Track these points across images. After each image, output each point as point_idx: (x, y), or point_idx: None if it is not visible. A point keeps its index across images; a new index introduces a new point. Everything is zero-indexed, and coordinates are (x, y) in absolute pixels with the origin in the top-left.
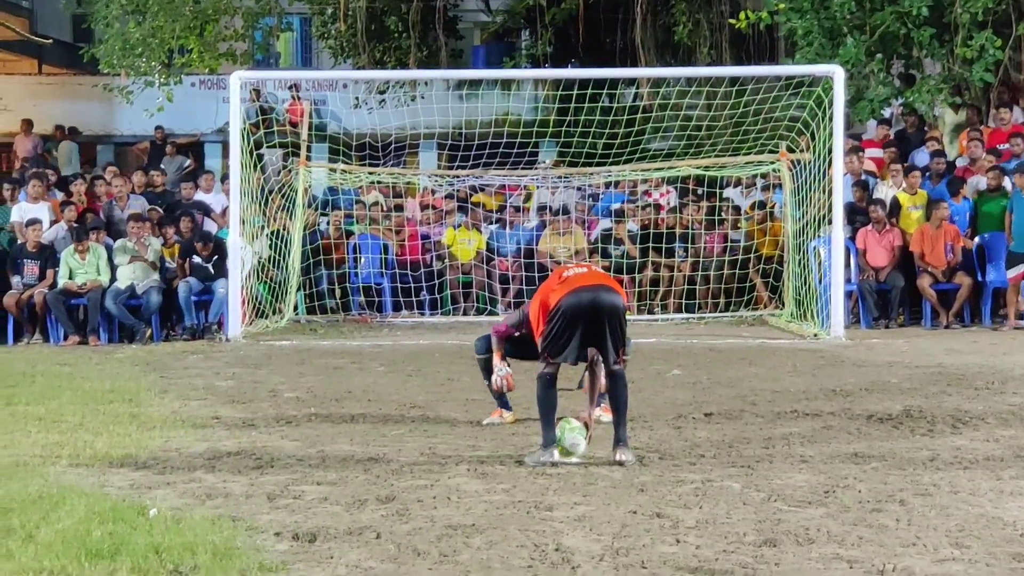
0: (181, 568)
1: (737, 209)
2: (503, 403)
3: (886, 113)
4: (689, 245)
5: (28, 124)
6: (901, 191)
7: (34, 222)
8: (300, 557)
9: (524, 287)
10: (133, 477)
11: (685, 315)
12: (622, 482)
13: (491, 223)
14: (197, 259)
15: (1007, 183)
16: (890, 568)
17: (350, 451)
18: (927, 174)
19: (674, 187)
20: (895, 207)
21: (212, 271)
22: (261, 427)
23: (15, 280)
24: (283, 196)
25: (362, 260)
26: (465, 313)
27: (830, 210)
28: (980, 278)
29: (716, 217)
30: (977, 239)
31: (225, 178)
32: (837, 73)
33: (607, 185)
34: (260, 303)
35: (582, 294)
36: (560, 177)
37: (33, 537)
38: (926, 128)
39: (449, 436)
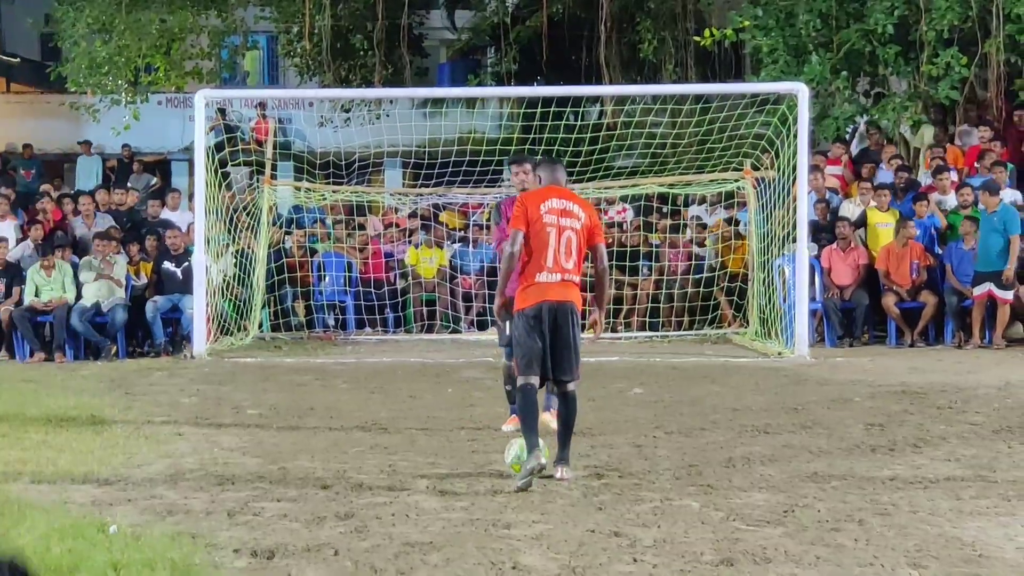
0: None
1: (702, 227)
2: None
3: (850, 131)
4: (653, 263)
5: None
6: (872, 207)
7: (0, 240)
8: (258, 574)
9: (487, 305)
10: (94, 494)
11: (648, 333)
12: (581, 500)
13: (454, 241)
14: (168, 264)
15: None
16: None
17: (311, 468)
18: (892, 190)
19: (634, 205)
20: (862, 223)
21: (181, 277)
22: (223, 444)
23: None
24: (248, 214)
25: (326, 278)
26: (428, 331)
27: (795, 228)
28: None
29: (680, 235)
30: (941, 252)
31: (192, 196)
32: (801, 91)
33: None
34: (225, 320)
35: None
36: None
37: None
38: (889, 144)
39: (409, 453)
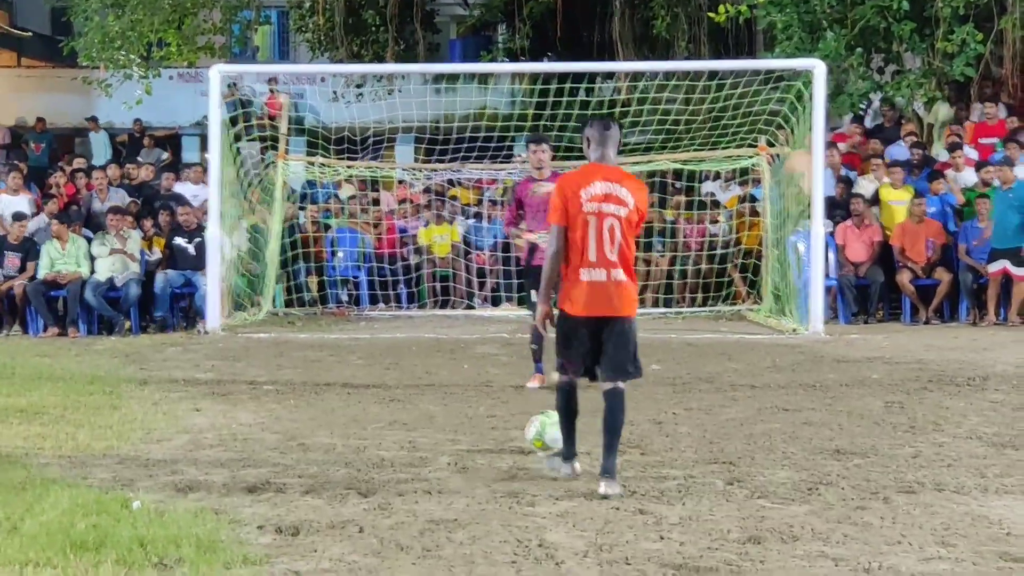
0: (166, 561)
1: (716, 203)
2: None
3: (864, 108)
4: (667, 239)
5: None
6: (885, 185)
7: (20, 217)
8: (284, 550)
9: (501, 280)
10: (115, 469)
11: (663, 310)
12: None
13: (468, 217)
14: (180, 240)
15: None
16: (876, 566)
17: (330, 444)
18: (907, 167)
19: (649, 181)
20: (876, 201)
21: (194, 252)
22: (241, 419)
23: None
24: (262, 189)
25: (340, 253)
26: (442, 306)
27: (809, 205)
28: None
29: (695, 212)
30: (958, 229)
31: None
32: (818, 68)
33: None
34: (239, 296)
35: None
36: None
37: (18, 529)
38: (903, 121)
39: (428, 429)
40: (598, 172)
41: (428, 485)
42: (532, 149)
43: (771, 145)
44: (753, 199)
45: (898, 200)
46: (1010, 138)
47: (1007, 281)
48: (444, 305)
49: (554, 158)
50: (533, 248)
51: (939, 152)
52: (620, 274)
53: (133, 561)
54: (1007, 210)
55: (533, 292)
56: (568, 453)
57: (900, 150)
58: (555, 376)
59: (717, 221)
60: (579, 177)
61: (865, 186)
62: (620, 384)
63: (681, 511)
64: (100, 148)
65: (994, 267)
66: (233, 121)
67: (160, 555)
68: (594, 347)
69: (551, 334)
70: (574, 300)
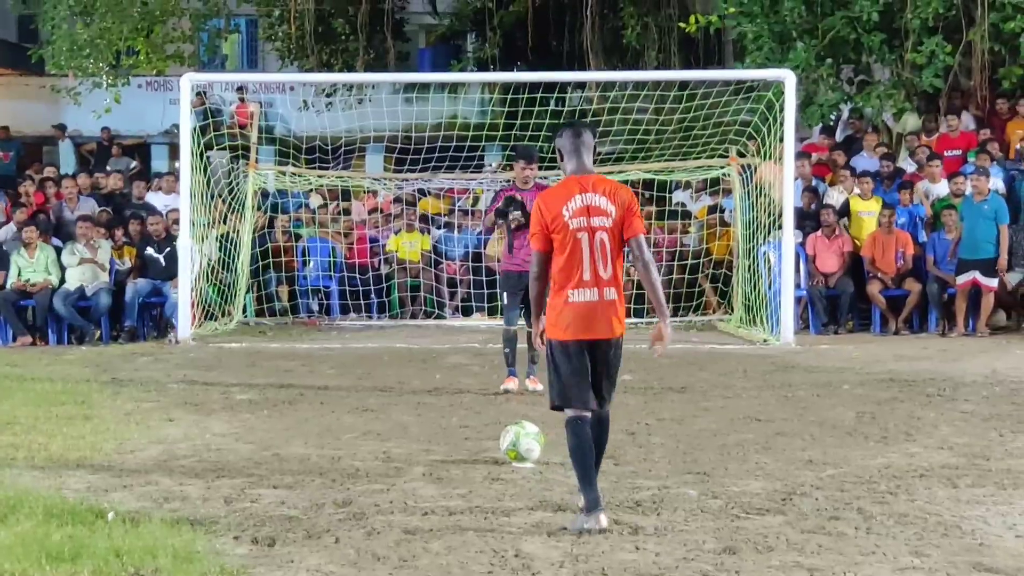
0: (142, 571)
1: (687, 214)
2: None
3: (834, 119)
4: None
5: None
6: (855, 196)
7: None
8: (260, 561)
9: (471, 290)
10: (89, 480)
11: (633, 320)
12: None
13: (439, 227)
14: (151, 251)
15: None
16: None
17: (305, 454)
18: (878, 178)
19: None
20: (845, 212)
21: (163, 263)
22: (215, 430)
23: None
24: (233, 198)
25: (310, 263)
26: (413, 316)
27: (780, 215)
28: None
29: (665, 221)
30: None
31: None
32: (788, 78)
33: None
34: (209, 305)
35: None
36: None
37: None
38: (867, 132)
39: (403, 439)
40: (576, 184)
41: (403, 495)
42: (522, 166)
43: (741, 155)
44: (723, 209)
45: (867, 211)
46: (981, 149)
47: (976, 292)
48: (415, 315)
49: (504, 168)
50: (508, 251)
51: (904, 161)
52: (612, 292)
53: (109, 572)
54: (979, 220)
55: (506, 295)
56: (590, 502)
57: (867, 161)
58: (508, 386)
59: (688, 231)
60: (558, 195)
61: (835, 197)
62: (607, 409)
63: (656, 522)
64: (66, 157)
65: (963, 278)
66: (203, 130)
67: (136, 566)
68: (590, 370)
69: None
70: (564, 324)
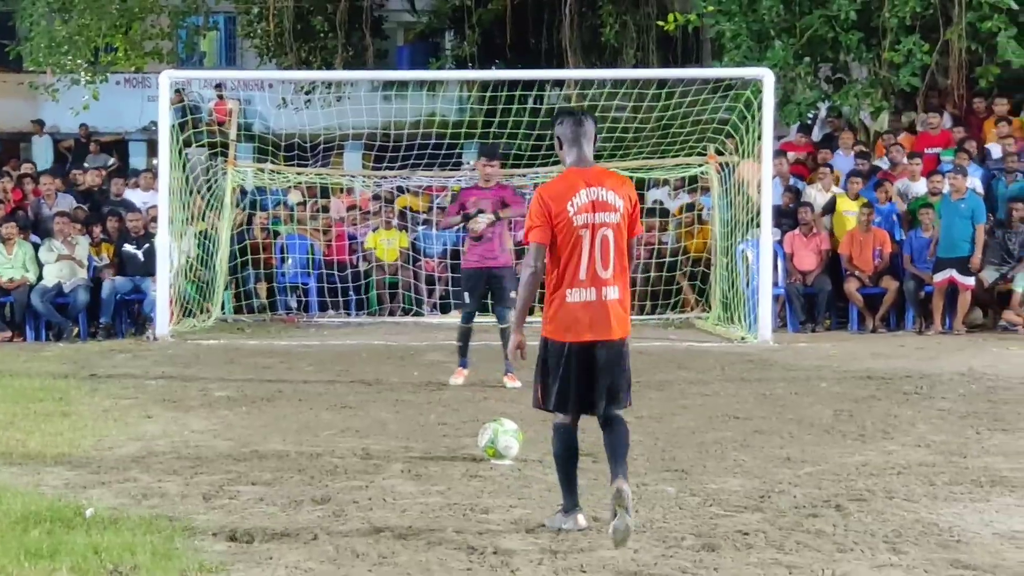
0: (120, 568)
1: (664, 212)
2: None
3: (812, 117)
4: None
5: None
6: (842, 195)
7: None
8: (239, 558)
9: (450, 288)
10: (68, 476)
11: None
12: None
13: (418, 224)
14: (129, 247)
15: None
16: (829, 573)
17: (283, 451)
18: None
19: None
20: (830, 209)
21: (142, 259)
22: (193, 426)
23: None
24: (211, 195)
25: (289, 260)
26: (391, 313)
27: (758, 213)
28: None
29: (643, 219)
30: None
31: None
32: (767, 77)
33: (535, 187)
34: (188, 302)
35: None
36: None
37: None
38: (848, 130)
39: (381, 436)
40: (579, 178)
41: (382, 492)
42: (483, 163)
43: (720, 154)
44: (701, 207)
45: (851, 210)
46: (959, 148)
47: (952, 290)
48: (393, 312)
49: (503, 166)
50: (472, 247)
51: (877, 160)
52: (613, 292)
53: (88, 569)
54: (956, 219)
55: (467, 294)
56: (569, 504)
57: (842, 159)
58: (456, 380)
59: (666, 229)
60: (561, 188)
61: (813, 195)
62: (617, 411)
63: (635, 519)
64: (43, 153)
65: (940, 276)
66: (181, 127)
67: (115, 563)
68: (585, 376)
69: (520, 363)
70: (559, 324)
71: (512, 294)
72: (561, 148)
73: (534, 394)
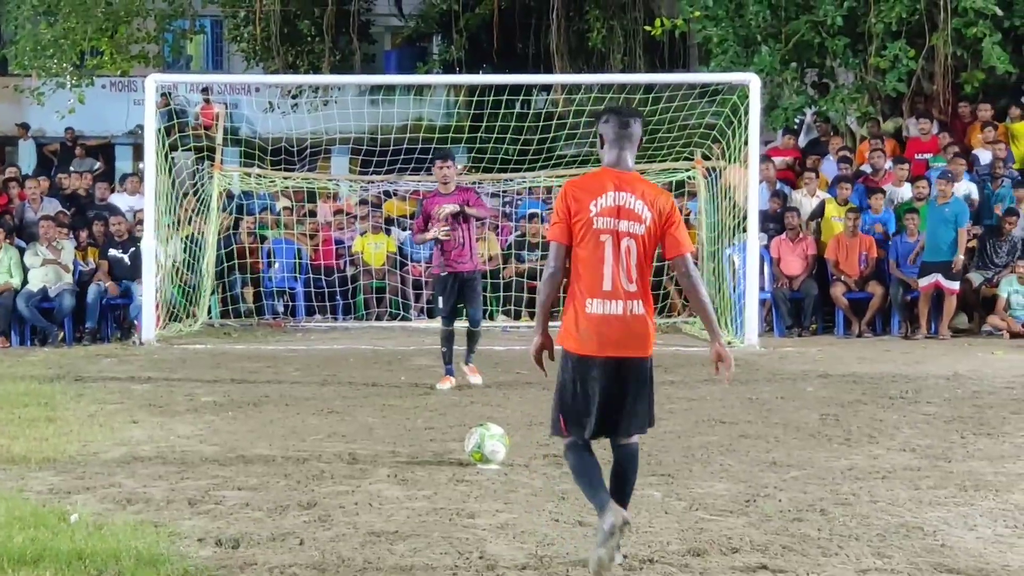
0: (105, 574)
1: None
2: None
3: (798, 123)
4: None
5: None
6: (831, 200)
7: None
8: (225, 563)
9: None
10: (52, 482)
11: None
12: (543, 490)
13: (405, 228)
14: (115, 251)
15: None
16: None
17: (269, 455)
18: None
19: None
20: (818, 214)
21: (128, 263)
22: (179, 431)
23: None
24: (198, 199)
25: (276, 264)
26: (378, 318)
27: (745, 218)
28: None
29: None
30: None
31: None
32: (753, 82)
33: (521, 191)
34: (174, 306)
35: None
36: (473, 183)
37: None
38: (835, 135)
39: (368, 441)
40: (610, 179)
41: (368, 497)
42: (438, 165)
43: (706, 158)
44: (688, 212)
45: (840, 216)
46: (956, 154)
47: (938, 295)
48: (380, 317)
49: (470, 171)
50: (441, 253)
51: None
52: (638, 306)
53: (72, 575)
54: (941, 224)
55: (439, 299)
56: (600, 504)
57: (827, 164)
58: (443, 386)
59: None
60: (589, 185)
61: (800, 200)
62: (636, 440)
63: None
64: (27, 156)
65: (926, 281)
66: (168, 131)
67: (99, 569)
68: (605, 395)
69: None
70: (580, 336)
71: (482, 296)
72: (601, 147)
73: (554, 421)
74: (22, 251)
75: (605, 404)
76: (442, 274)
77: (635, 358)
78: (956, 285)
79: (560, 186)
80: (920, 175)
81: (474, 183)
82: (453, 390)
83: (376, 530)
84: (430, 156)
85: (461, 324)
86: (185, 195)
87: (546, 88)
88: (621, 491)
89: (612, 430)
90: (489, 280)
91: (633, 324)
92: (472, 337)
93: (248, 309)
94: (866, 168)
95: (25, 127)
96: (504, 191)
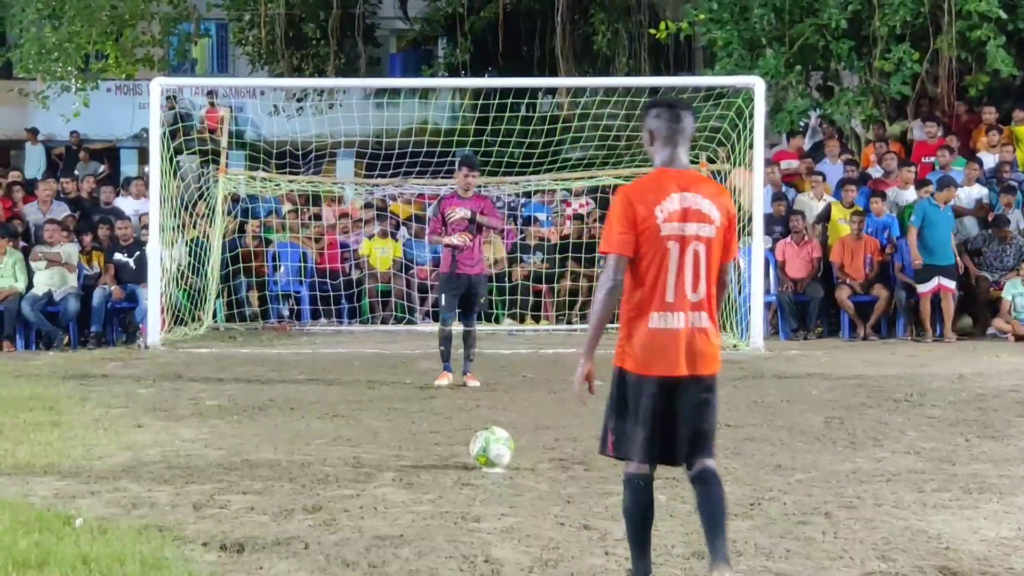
0: None
1: None
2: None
3: (803, 126)
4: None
5: None
6: (836, 203)
7: None
8: (229, 568)
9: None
10: (57, 486)
11: (609, 325)
12: (548, 494)
13: (409, 232)
14: (120, 255)
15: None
16: None
17: (274, 460)
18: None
19: (590, 196)
20: (825, 217)
21: (133, 267)
22: (184, 436)
23: None
24: (205, 203)
25: (281, 268)
26: (383, 321)
27: (750, 221)
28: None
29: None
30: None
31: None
32: (758, 85)
33: (526, 195)
34: (179, 310)
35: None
36: (478, 186)
37: None
38: (832, 139)
39: (373, 445)
40: (671, 180)
41: (373, 501)
42: (464, 173)
43: (711, 161)
44: None
45: (845, 218)
46: (969, 158)
47: (939, 297)
48: (386, 320)
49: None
50: (450, 254)
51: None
52: (703, 319)
53: None
54: (942, 227)
55: (443, 297)
56: (640, 570)
57: (833, 168)
58: (441, 382)
59: None
60: (649, 190)
61: (805, 203)
62: (710, 463)
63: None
64: (35, 161)
65: (927, 285)
66: (172, 135)
67: (104, 573)
68: (669, 418)
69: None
70: (639, 354)
71: (483, 300)
72: (652, 144)
73: (603, 439)
74: (27, 254)
75: (667, 427)
76: (450, 273)
77: (700, 376)
78: (953, 284)
79: (567, 189)
80: (923, 179)
81: (480, 187)
82: (457, 393)
83: (381, 534)
84: (434, 160)
85: (459, 326)
86: (193, 204)
87: (551, 91)
88: (711, 529)
89: (672, 456)
90: (494, 284)
91: (694, 340)
92: (467, 339)
93: (253, 313)
94: (873, 171)
95: (35, 132)
96: (509, 194)
